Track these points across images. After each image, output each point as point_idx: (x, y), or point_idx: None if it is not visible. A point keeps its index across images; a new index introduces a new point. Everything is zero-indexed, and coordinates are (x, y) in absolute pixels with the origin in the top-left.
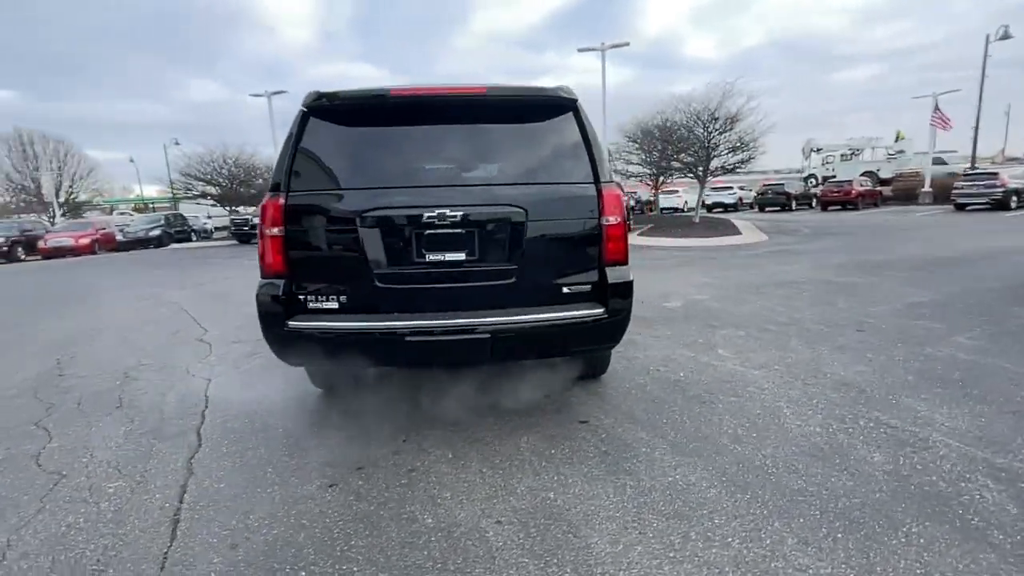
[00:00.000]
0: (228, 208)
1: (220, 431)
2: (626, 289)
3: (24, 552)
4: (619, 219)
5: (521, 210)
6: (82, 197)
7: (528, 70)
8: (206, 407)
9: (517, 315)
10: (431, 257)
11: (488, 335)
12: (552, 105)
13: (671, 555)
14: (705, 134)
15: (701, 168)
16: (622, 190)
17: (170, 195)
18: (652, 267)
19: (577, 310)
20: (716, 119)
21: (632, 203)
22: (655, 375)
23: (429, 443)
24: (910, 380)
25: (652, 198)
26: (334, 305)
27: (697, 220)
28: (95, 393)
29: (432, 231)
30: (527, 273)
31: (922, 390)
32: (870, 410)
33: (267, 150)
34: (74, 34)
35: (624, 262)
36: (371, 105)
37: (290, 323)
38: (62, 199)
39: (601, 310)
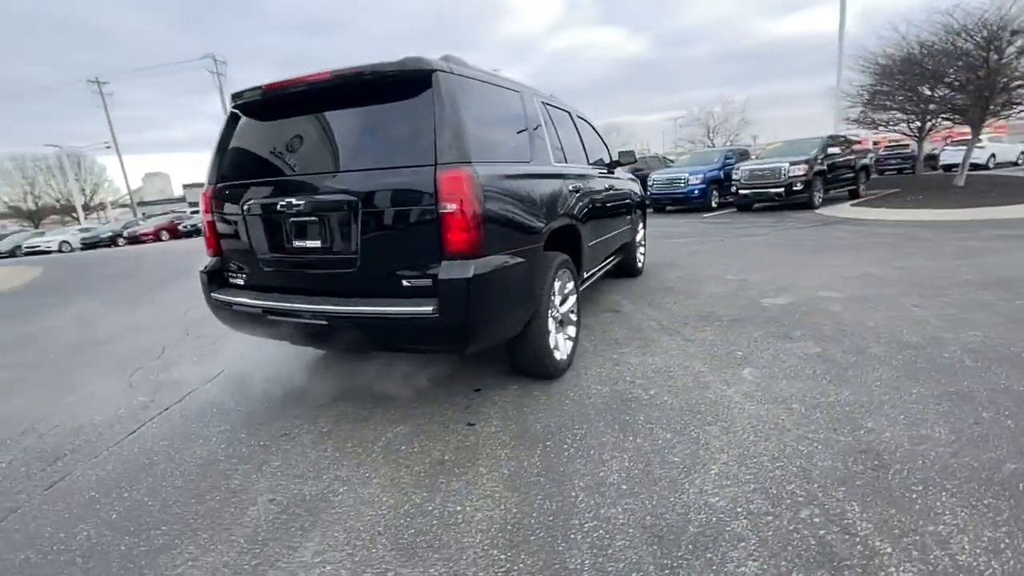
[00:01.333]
0: None
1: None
2: (465, 286)
3: None
4: (461, 206)
5: (354, 198)
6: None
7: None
8: None
9: (352, 305)
10: (297, 244)
11: (325, 323)
12: (406, 80)
13: None
14: (986, 57)
15: (979, 108)
16: (472, 173)
17: None
18: (815, 248)
19: (409, 306)
20: (1018, 32)
21: (866, 161)
22: (609, 394)
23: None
24: None
25: (915, 152)
26: (240, 282)
27: (962, 183)
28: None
29: (291, 220)
30: (368, 263)
31: None
32: None
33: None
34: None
35: (472, 254)
36: (256, 100)
37: (213, 294)
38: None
39: (430, 308)
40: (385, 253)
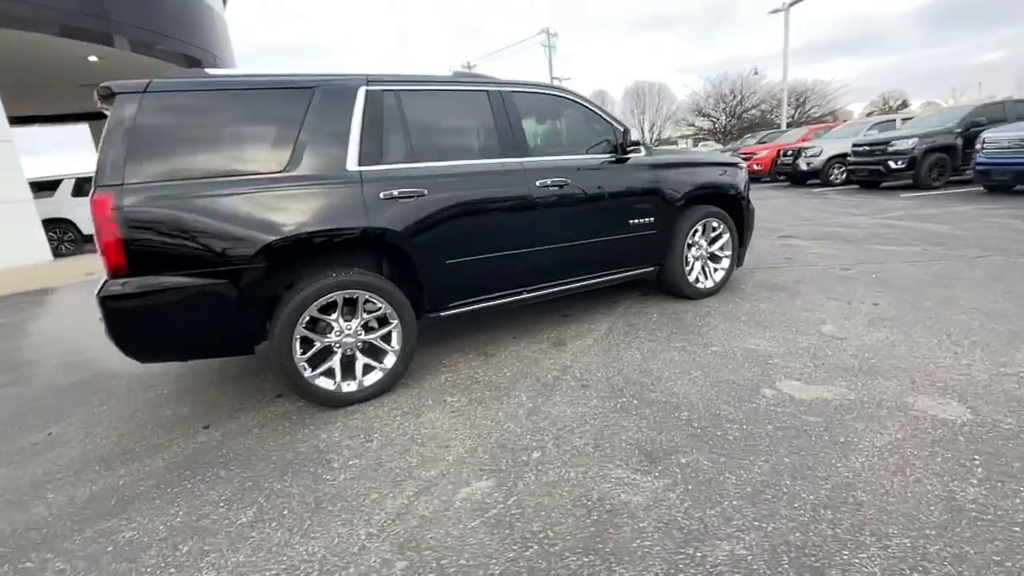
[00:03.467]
0: (721, 145)
1: None
2: (102, 303)
3: None
4: (97, 226)
5: None
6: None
7: None
8: None
9: None
10: None
11: None
12: (108, 102)
13: None
14: None
15: None
16: (112, 196)
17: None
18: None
19: None
20: None
21: None
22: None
23: None
24: None
25: None
26: None
27: None
28: None
29: None
30: None
31: None
32: None
33: (775, 74)
34: None
35: (116, 274)
36: None
37: None
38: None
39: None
40: None
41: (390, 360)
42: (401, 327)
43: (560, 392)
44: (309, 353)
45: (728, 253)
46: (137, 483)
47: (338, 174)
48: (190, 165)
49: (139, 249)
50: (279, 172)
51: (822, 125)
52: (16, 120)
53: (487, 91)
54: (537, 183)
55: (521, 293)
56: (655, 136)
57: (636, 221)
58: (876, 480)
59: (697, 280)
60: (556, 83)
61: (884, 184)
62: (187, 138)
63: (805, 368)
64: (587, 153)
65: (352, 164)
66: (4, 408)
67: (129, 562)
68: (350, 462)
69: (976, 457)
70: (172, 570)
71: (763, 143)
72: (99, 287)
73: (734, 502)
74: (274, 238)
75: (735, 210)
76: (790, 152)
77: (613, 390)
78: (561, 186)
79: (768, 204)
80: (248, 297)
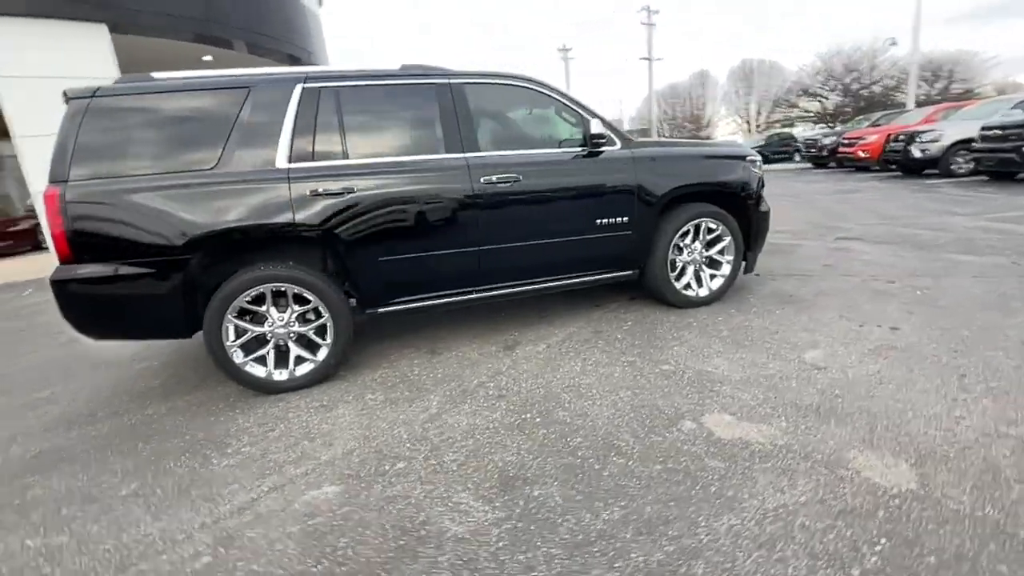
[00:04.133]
0: (829, 126)
1: None
2: (52, 287)
3: None
4: (48, 218)
5: None
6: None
7: None
8: None
9: None
10: None
11: None
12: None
13: None
14: None
15: None
16: (57, 191)
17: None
18: None
19: None
20: None
21: None
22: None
23: None
24: None
25: None
26: None
27: None
28: None
29: None
30: None
31: None
32: None
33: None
34: None
35: (64, 260)
36: None
37: None
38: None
39: None
40: None
41: (322, 353)
42: (333, 322)
43: (473, 400)
44: (240, 340)
45: (730, 258)
46: (77, 445)
47: (265, 171)
48: (131, 163)
49: (81, 240)
50: (209, 169)
51: (955, 104)
52: None
53: (435, 84)
54: (482, 180)
55: (470, 293)
56: (762, 121)
57: (605, 221)
58: (730, 551)
59: (688, 287)
60: (646, 61)
61: (1021, 175)
62: (129, 139)
63: (751, 401)
64: (558, 147)
65: (281, 161)
66: (43, 368)
67: (20, 516)
68: (242, 449)
69: (883, 541)
70: (43, 529)
71: (877, 126)
72: (52, 272)
73: (552, 550)
74: (198, 232)
75: (740, 210)
76: (901, 137)
77: (525, 404)
78: (510, 183)
79: (853, 198)
80: (180, 286)
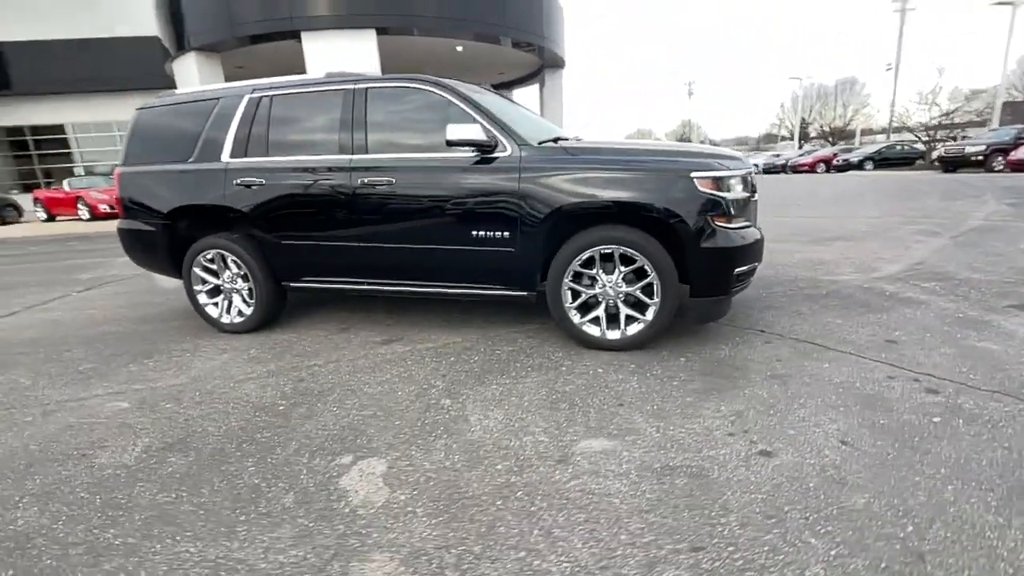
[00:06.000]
0: None
1: None
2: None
3: None
4: (115, 188)
5: None
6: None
7: None
8: None
9: None
10: None
11: None
12: None
13: None
14: None
15: None
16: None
17: None
18: None
19: None
20: None
21: None
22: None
23: None
24: None
25: None
26: None
27: None
28: None
29: None
30: None
31: None
32: None
33: None
34: None
35: (119, 216)
36: None
37: None
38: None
39: None
40: None
41: (248, 311)
42: (255, 287)
43: (234, 368)
44: (205, 289)
45: (656, 300)
46: (84, 361)
47: (213, 165)
48: (156, 155)
49: (127, 203)
50: (187, 161)
51: None
52: None
53: (344, 89)
54: (359, 181)
55: (361, 284)
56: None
57: (483, 233)
58: None
59: (596, 323)
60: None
61: None
62: (155, 137)
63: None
64: (447, 151)
65: (225, 157)
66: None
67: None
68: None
69: None
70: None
71: None
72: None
73: None
74: (173, 205)
75: (676, 240)
76: None
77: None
78: (383, 185)
79: None
80: (168, 240)
